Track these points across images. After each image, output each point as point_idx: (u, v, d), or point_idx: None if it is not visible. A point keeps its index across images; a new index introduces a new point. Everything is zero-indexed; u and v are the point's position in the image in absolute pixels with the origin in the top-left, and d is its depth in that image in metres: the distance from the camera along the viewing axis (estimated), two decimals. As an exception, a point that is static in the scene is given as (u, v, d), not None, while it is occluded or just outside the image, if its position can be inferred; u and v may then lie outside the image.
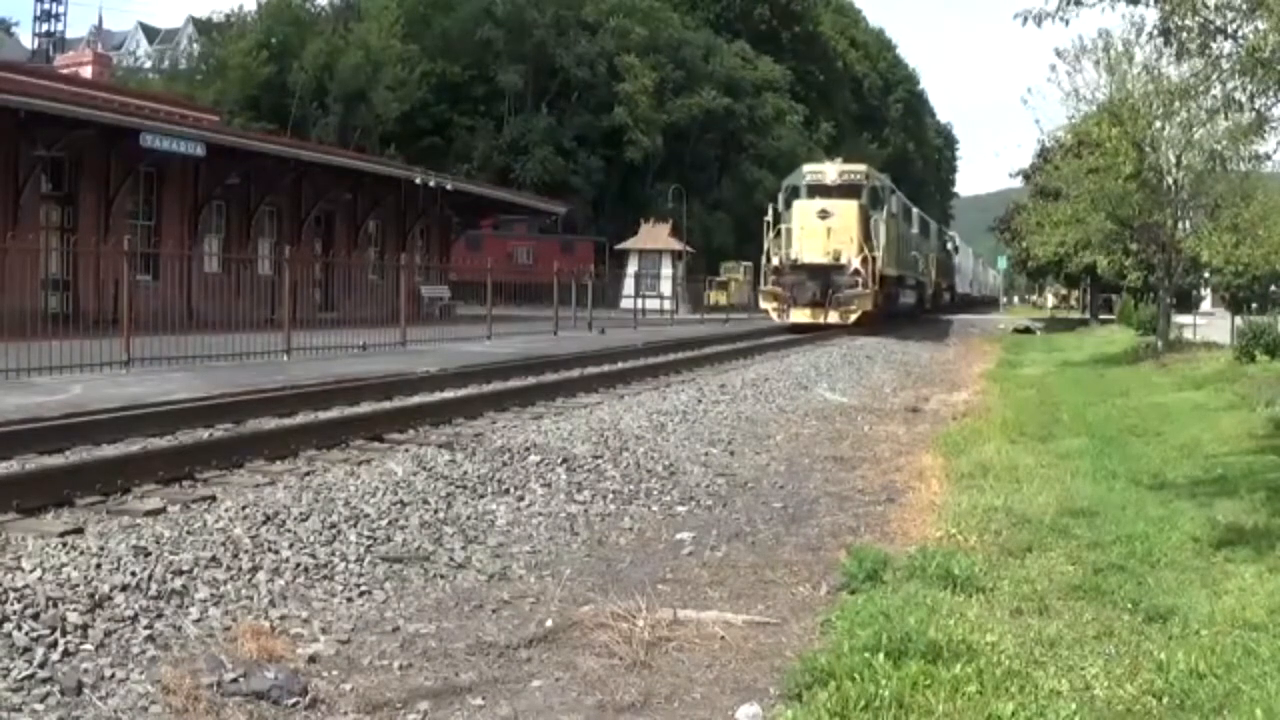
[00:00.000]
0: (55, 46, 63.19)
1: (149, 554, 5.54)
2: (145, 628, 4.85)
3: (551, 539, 7.26)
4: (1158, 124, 22.37)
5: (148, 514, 6.29)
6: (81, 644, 4.57)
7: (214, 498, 6.81)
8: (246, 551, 5.89)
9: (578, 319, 28.16)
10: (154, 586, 5.21)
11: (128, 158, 23.02)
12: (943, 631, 4.75)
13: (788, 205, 29.19)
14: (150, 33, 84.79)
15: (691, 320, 38.57)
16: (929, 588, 5.57)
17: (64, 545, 5.46)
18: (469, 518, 7.37)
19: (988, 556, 6.40)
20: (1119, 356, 25.42)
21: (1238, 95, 8.97)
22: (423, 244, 35.52)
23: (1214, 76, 9.17)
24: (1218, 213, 23.95)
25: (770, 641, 5.31)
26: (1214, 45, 8.46)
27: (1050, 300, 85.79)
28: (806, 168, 31.85)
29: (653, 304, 42.72)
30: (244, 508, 6.54)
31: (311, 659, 4.84)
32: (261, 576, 5.67)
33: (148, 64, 68.53)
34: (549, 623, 5.47)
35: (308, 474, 7.71)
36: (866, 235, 28.12)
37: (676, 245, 49.98)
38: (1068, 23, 8.06)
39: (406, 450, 8.77)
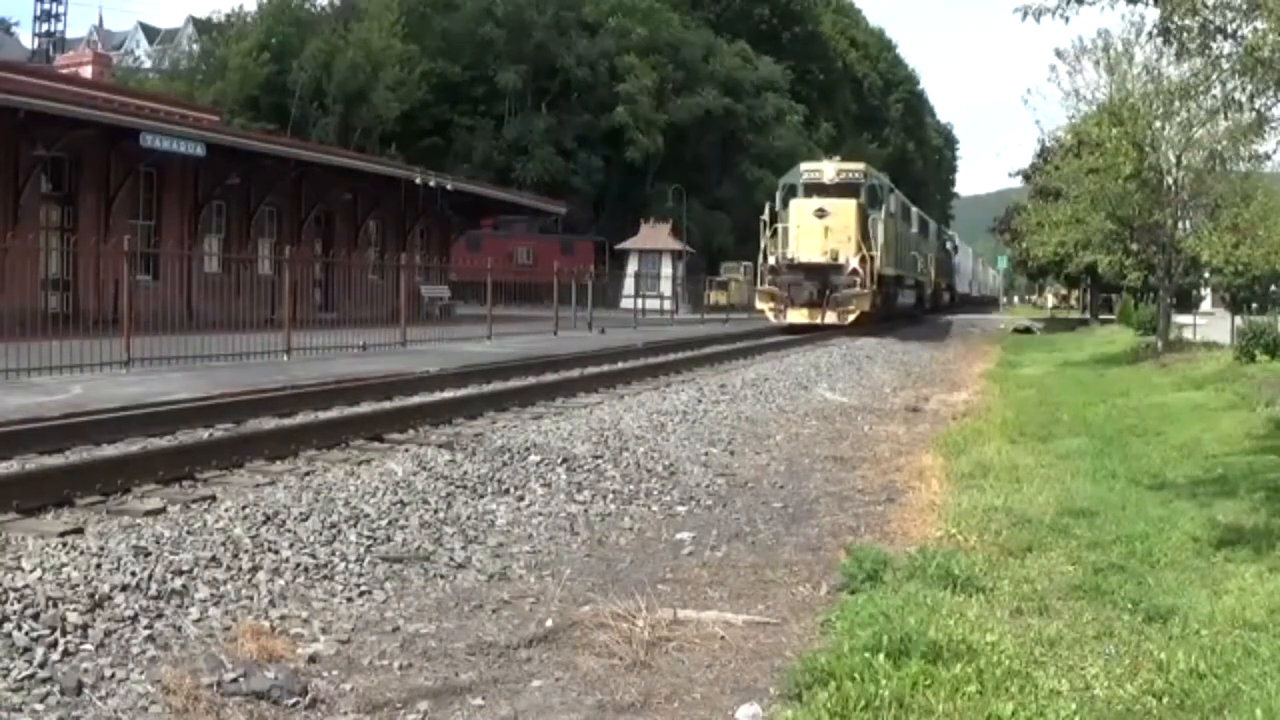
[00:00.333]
0: (55, 46, 63.28)
1: (149, 554, 5.54)
2: (145, 628, 4.85)
3: (551, 539, 7.26)
4: (1158, 124, 22.37)
5: (148, 514, 6.29)
6: (81, 644, 4.57)
7: (214, 498, 6.82)
8: (246, 551, 5.89)
9: (578, 319, 28.16)
10: (154, 586, 5.21)
11: (128, 158, 23.02)
12: (943, 631, 4.75)
13: (785, 204, 28.94)
14: (150, 33, 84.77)
15: (691, 320, 38.58)
16: (929, 588, 5.56)
17: (64, 545, 5.46)
18: (469, 518, 7.37)
19: (988, 556, 6.40)
20: (1119, 356, 25.41)
21: (1238, 95, 8.96)
22: (423, 244, 35.52)
23: (1214, 76, 9.17)
24: (1218, 213, 23.94)
25: (770, 641, 5.31)
26: (1214, 45, 8.46)
27: (1050, 300, 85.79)
28: (804, 166, 31.60)
29: (653, 304, 42.72)
30: (244, 508, 6.54)
31: (311, 659, 4.84)
32: (261, 576, 5.67)
33: (148, 64, 68.51)
34: (549, 623, 5.47)
35: (308, 474, 7.71)
36: (864, 234, 27.91)
37: (676, 245, 49.97)
38: (1068, 20, 8.07)
39: (406, 450, 8.77)
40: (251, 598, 5.43)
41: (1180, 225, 24.59)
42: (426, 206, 33.58)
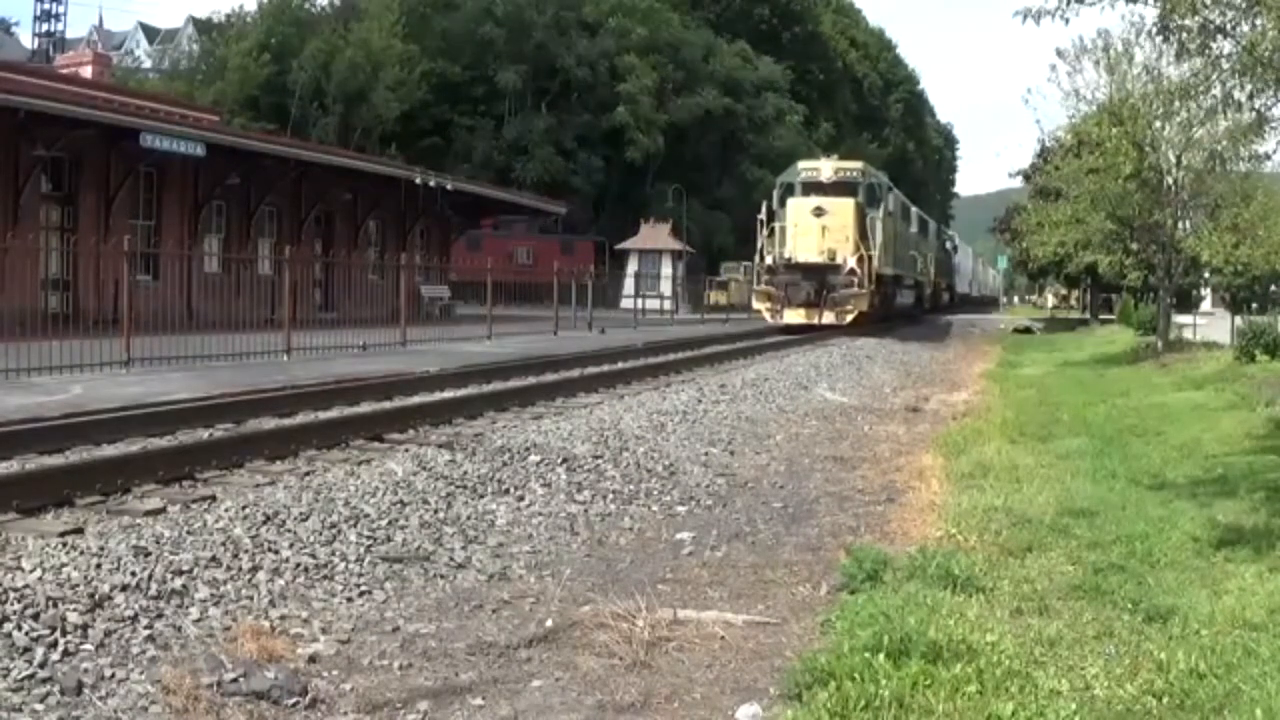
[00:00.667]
0: (55, 46, 63.28)
1: (149, 554, 5.54)
2: (145, 628, 4.85)
3: (551, 539, 7.26)
4: (1158, 124, 22.37)
5: (148, 514, 6.29)
6: (81, 644, 4.57)
7: (214, 498, 6.82)
8: (246, 551, 5.89)
9: (578, 319, 28.15)
10: (154, 586, 5.21)
11: (128, 158, 23.02)
12: (943, 631, 4.75)
13: (782, 203, 28.63)
14: (150, 33, 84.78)
15: (691, 320, 38.57)
16: (929, 588, 5.56)
17: (64, 545, 5.46)
18: (469, 518, 7.37)
19: (988, 556, 6.40)
20: (1119, 356, 25.41)
21: (1237, 95, 8.97)
22: (423, 244, 35.52)
23: (1214, 76, 9.17)
24: (1218, 213, 23.94)
25: (770, 641, 5.31)
26: (1213, 44, 8.46)
27: (1050, 300, 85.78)
28: (801, 165, 31.31)
29: (653, 304, 42.71)
30: (244, 508, 6.54)
31: (311, 659, 4.84)
32: (261, 576, 5.67)
33: (148, 64, 68.52)
34: (549, 623, 5.47)
35: (308, 474, 7.71)
36: (862, 234, 27.66)
37: (676, 245, 49.96)
38: (1068, 21, 8.06)
39: (406, 450, 8.77)
40: (251, 598, 5.43)
41: (1180, 225, 24.59)
42: (426, 206, 33.58)
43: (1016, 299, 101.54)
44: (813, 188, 28.74)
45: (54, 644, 4.50)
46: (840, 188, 28.61)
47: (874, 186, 30.23)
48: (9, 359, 11.93)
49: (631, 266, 49.21)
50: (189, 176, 25.64)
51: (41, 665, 4.33)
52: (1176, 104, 19.60)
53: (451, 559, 6.53)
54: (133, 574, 5.25)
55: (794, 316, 27.18)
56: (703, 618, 5.53)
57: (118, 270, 15.90)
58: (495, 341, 21.47)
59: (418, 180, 31.14)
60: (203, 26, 65.39)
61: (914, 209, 40.18)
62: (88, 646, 4.57)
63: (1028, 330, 41.29)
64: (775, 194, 29.54)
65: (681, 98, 58.81)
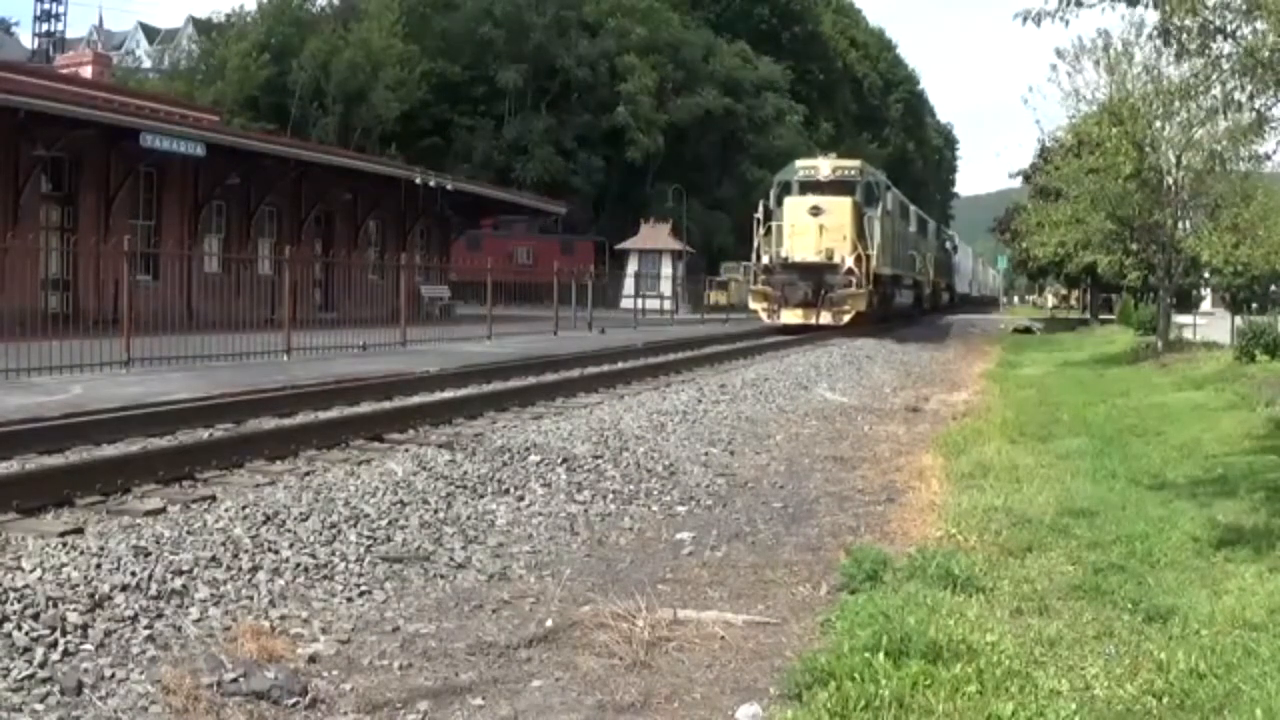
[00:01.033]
0: (55, 46, 63.23)
1: (149, 554, 5.54)
2: (145, 628, 4.85)
3: (551, 539, 7.26)
4: (1158, 124, 22.38)
5: (148, 514, 6.29)
6: (81, 644, 4.57)
7: (214, 498, 6.82)
8: (246, 551, 5.89)
9: (578, 319, 28.15)
10: (154, 586, 5.21)
11: (128, 158, 23.03)
12: (943, 631, 4.75)
13: (779, 202, 28.29)
14: (150, 33, 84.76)
15: (691, 320, 38.58)
16: (929, 588, 5.56)
17: (64, 545, 5.46)
18: (469, 518, 7.37)
19: (988, 556, 6.40)
20: (1119, 356, 25.41)
21: (1237, 95, 8.96)
22: (423, 244, 35.52)
23: (1214, 76, 9.17)
24: (1218, 213, 23.94)
25: (770, 641, 5.31)
26: (1213, 45, 8.46)
27: (1050, 300, 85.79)
28: (799, 163, 31.01)
29: (653, 304, 42.72)
30: (244, 508, 6.54)
31: (311, 659, 4.84)
32: (261, 576, 5.67)
33: (148, 64, 68.54)
34: (549, 623, 5.47)
35: (308, 474, 7.71)
36: (860, 233, 27.39)
37: (676, 245, 49.95)
38: (1068, 23, 8.05)
39: (406, 450, 8.77)
40: (251, 598, 5.43)
41: (1180, 225, 24.59)
42: (426, 206, 33.58)
43: (1016, 299, 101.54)
44: (810, 186, 28.42)
45: (54, 644, 4.50)
46: (838, 186, 28.27)
47: (872, 185, 29.90)
48: (9, 359, 11.93)
49: (631, 266, 49.21)
50: (189, 176, 25.64)
51: (41, 665, 4.33)
52: (1176, 104, 19.63)
53: (451, 559, 6.53)
54: (133, 574, 5.25)
55: (790, 317, 26.90)
56: (703, 618, 5.54)
57: (118, 270, 15.90)
58: (495, 341, 21.47)
59: (418, 180, 31.14)
60: (203, 26, 65.38)
61: (913, 208, 39.99)
62: (88, 646, 4.57)
63: (1028, 330, 41.29)
64: (772, 193, 29.20)
65: (681, 98, 58.81)
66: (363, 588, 5.86)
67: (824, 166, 29.61)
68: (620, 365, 16.91)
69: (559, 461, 9.08)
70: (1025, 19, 8.07)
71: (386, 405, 11.32)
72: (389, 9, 55.62)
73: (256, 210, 28.08)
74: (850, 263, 26.72)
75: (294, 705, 4.34)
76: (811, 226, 26.94)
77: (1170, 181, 23.59)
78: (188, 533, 5.97)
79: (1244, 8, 8.24)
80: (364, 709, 4.37)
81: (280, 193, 28.47)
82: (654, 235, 50.51)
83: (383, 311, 21.96)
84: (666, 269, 49.50)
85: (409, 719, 4.32)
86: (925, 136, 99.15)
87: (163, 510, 6.42)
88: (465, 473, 8.26)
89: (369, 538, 6.56)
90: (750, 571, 6.62)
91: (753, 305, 28.81)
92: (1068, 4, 7.90)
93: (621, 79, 57.04)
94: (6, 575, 4.95)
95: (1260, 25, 8.26)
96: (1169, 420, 13.10)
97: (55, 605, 4.76)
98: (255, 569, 5.73)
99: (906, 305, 37.76)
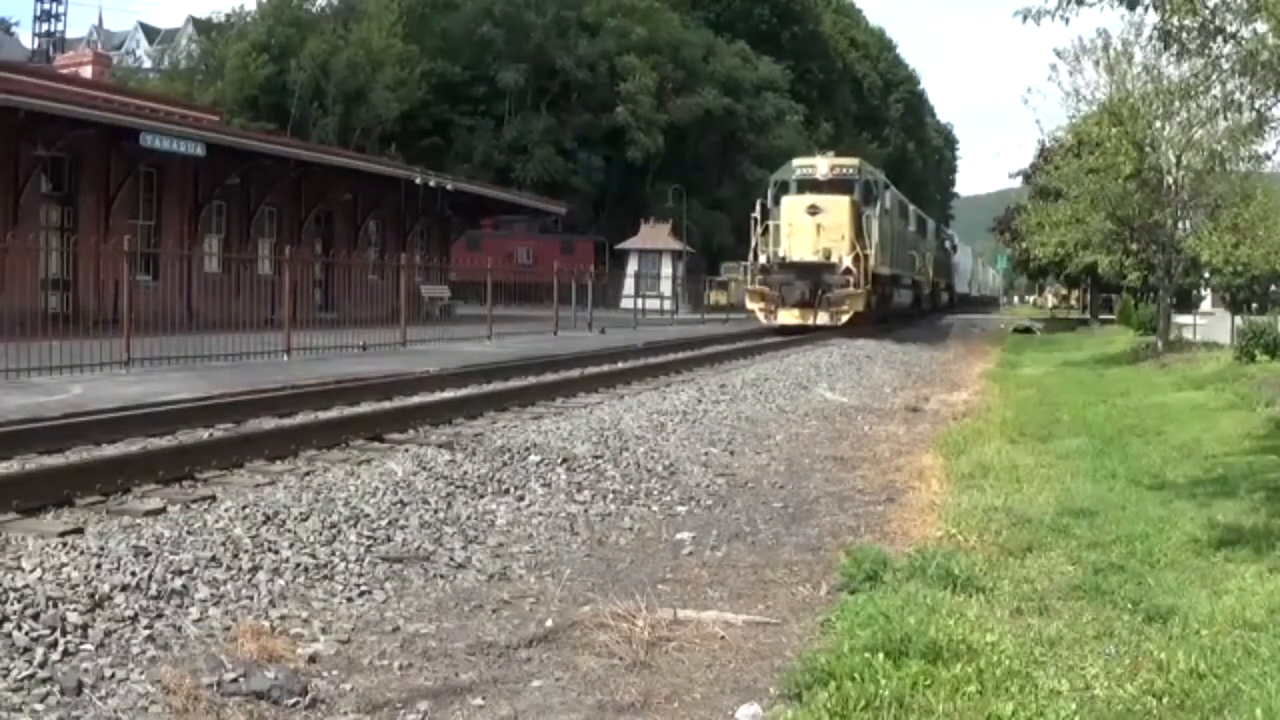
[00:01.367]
0: (55, 46, 63.14)
1: (149, 554, 5.54)
2: (145, 628, 4.85)
3: (551, 539, 7.26)
4: (1158, 124, 22.39)
5: (148, 514, 6.29)
6: (81, 644, 4.57)
7: (214, 498, 6.82)
8: (246, 551, 5.89)
9: (578, 319, 28.15)
10: (154, 586, 5.21)
11: (128, 158, 23.02)
12: (943, 631, 4.75)
13: (776, 201, 28.05)
14: (150, 33, 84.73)
15: (691, 320, 38.59)
16: (929, 588, 5.56)
17: (64, 545, 5.46)
18: (469, 518, 7.37)
19: (988, 556, 6.40)
20: (1119, 356, 25.41)
21: (1238, 95, 8.97)
22: (423, 244, 35.51)
23: (1214, 76, 9.17)
24: (1218, 213, 23.95)
25: (770, 641, 5.31)
26: (1214, 46, 8.45)
27: (1050, 300, 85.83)
28: (796, 162, 30.75)
29: (653, 304, 42.74)
30: (244, 508, 6.54)
31: (311, 659, 4.84)
32: (261, 576, 5.67)
33: (148, 64, 68.51)
34: (549, 623, 5.47)
35: (308, 474, 7.71)
36: (859, 232, 27.18)
37: (676, 245, 49.96)
38: (1068, 21, 8.05)
39: (406, 450, 8.77)
40: (251, 598, 5.43)
41: (1180, 225, 24.61)
42: (426, 206, 33.58)
43: (1016, 299, 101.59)
44: (808, 185, 28.20)
45: (54, 644, 4.49)
46: (836, 185, 28.03)
47: (870, 184, 29.66)
48: (9, 359, 11.92)
49: (631, 266, 49.22)
50: (189, 176, 25.64)
51: (41, 665, 4.33)
52: (1176, 104, 19.64)
53: (451, 559, 6.53)
54: (133, 574, 5.25)
55: (788, 317, 26.66)
56: (703, 618, 5.53)
57: (118, 270, 15.90)
58: (495, 341, 21.48)
59: (418, 180, 31.14)
60: (202, 26, 65.35)
61: (912, 207, 39.81)
62: (88, 646, 4.57)
63: (1028, 330, 41.30)
64: (770, 191, 28.98)
65: (681, 98, 58.80)
66: (363, 588, 5.86)
67: (822, 165, 29.37)
68: (620, 365, 16.91)
69: (559, 461, 9.08)
70: (1025, 17, 8.07)
71: (386, 405, 11.32)
72: (389, 9, 55.60)
73: (256, 210, 28.08)
74: (848, 262, 26.50)
75: (294, 705, 4.34)
76: (809, 226, 26.70)
77: (1170, 181, 23.60)
78: (188, 533, 5.97)
79: (1244, 8, 8.24)
80: (364, 709, 4.37)
81: (280, 193, 28.47)
82: (654, 235, 50.53)
83: (383, 311, 21.96)
84: (666, 269, 49.51)
85: (409, 719, 4.32)
86: (925, 136, 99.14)
87: (163, 510, 6.42)
88: (465, 473, 8.26)
89: (369, 538, 6.56)
90: (750, 571, 6.62)
91: (749, 305, 28.58)
92: (1067, 3, 7.90)
93: (621, 79, 57.03)
94: (6, 575, 4.95)
95: (1260, 26, 8.26)
96: (1169, 420, 13.10)
97: (55, 605, 4.76)
98: (255, 569, 5.73)
99: (905, 305, 37.67)
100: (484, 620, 5.55)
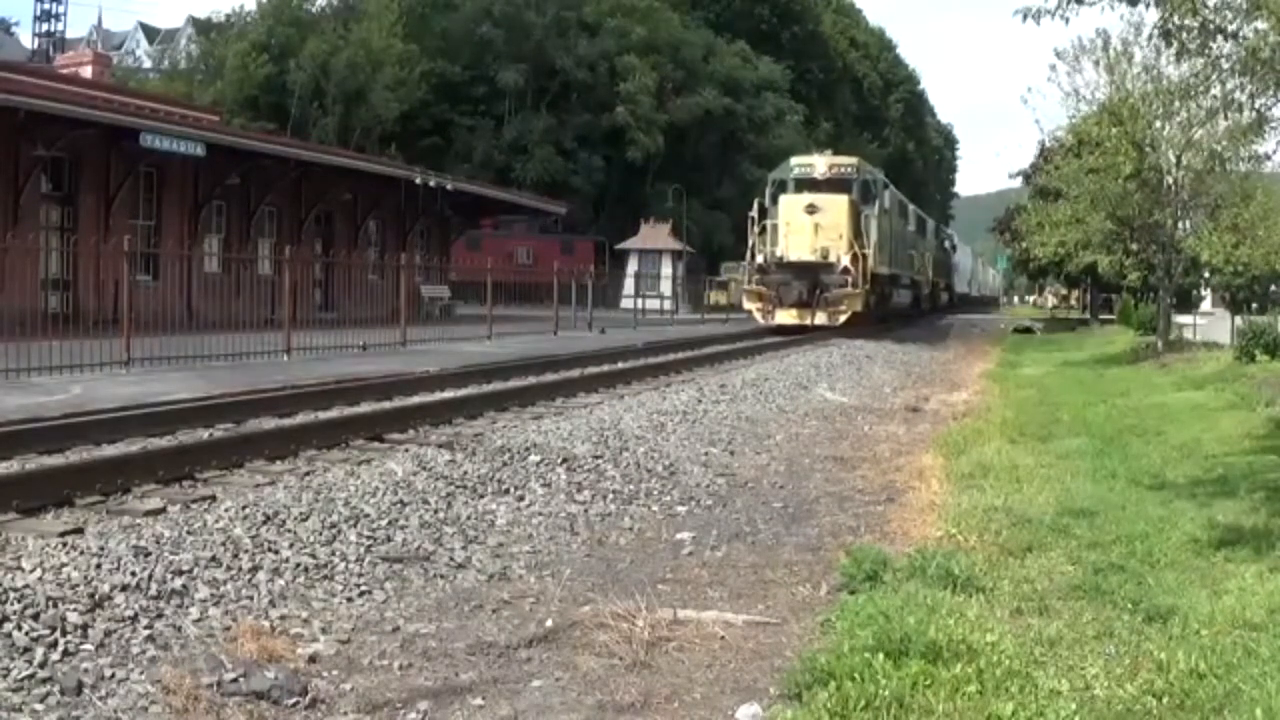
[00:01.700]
0: (55, 46, 63.11)
1: (149, 554, 5.54)
2: (145, 628, 4.85)
3: (551, 539, 7.26)
4: (1158, 124, 22.40)
5: (148, 514, 6.29)
6: (81, 644, 4.57)
7: (214, 498, 6.82)
8: (246, 551, 5.89)
9: (578, 319, 28.15)
10: (154, 586, 5.21)
11: (128, 158, 23.02)
12: (943, 631, 4.74)
13: (774, 200, 27.84)
14: (150, 33, 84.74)
15: (691, 320, 38.60)
16: (929, 588, 5.56)
17: (64, 545, 5.46)
18: (469, 518, 7.37)
19: (988, 556, 6.40)
20: (1119, 356, 25.41)
21: (1238, 95, 8.97)
22: (423, 244, 35.51)
23: (1214, 76, 9.17)
24: (1218, 213, 23.95)
25: (770, 641, 5.31)
26: (1214, 45, 8.45)
27: (1050, 300, 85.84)
28: (794, 160, 30.57)
29: (653, 304, 42.74)
30: (244, 508, 6.54)
31: (311, 659, 4.84)
32: (261, 576, 5.67)
33: (148, 64, 68.51)
34: (549, 623, 5.47)
35: (308, 474, 7.71)
36: (857, 232, 27.04)
37: (676, 245, 49.95)
38: (1067, 21, 8.06)
39: (406, 450, 8.77)
40: (251, 598, 5.43)
41: (1180, 225, 24.60)
42: (426, 206, 33.58)
43: (1016, 299, 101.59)
44: (806, 184, 28.01)
45: (54, 644, 4.49)
46: (834, 184, 27.83)
47: (869, 183, 29.49)
48: (9, 359, 11.92)
49: (631, 266, 49.23)
50: (189, 176, 25.64)
51: (41, 665, 4.33)
52: (1176, 104, 19.66)
53: (451, 559, 6.53)
54: (133, 574, 5.25)
55: (785, 317, 26.47)
56: (703, 618, 5.53)
57: (118, 270, 15.90)
58: (495, 341, 21.47)
59: (418, 180, 31.14)
60: (202, 26, 65.33)
61: (911, 207, 39.66)
62: (88, 646, 4.57)
63: (1028, 330, 41.30)
64: (767, 190, 28.77)
65: (681, 98, 58.82)
66: (363, 588, 5.86)
67: (820, 164, 29.18)
68: (620, 365, 16.91)
69: (559, 461, 9.08)
70: (1025, 16, 8.07)
71: (386, 405, 11.32)
72: (389, 9, 55.61)
73: (256, 210, 28.08)
74: (846, 262, 26.33)
75: (294, 705, 4.34)
76: (807, 225, 26.52)
77: (1170, 181, 23.60)
78: (188, 533, 5.97)
79: (1244, 7, 8.24)
80: (364, 709, 4.37)
81: (280, 193, 28.47)
82: (654, 235, 50.54)
83: (383, 311, 21.96)
84: (666, 269, 49.52)
85: (409, 719, 4.32)
86: (925, 136, 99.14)
87: (163, 510, 6.42)
88: (465, 473, 8.26)
89: (369, 538, 6.56)
90: (750, 571, 6.62)
91: (746, 305, 28.36)
92: (1067, 2, 7.90)
93: (621, 79, 57.04)
94: (6, 575, 4.95)
95: (1261, 24, 8.26)
96: (1169, 420, 13.10)
97: (55, 605, 4.76)
98: (255, 569, 5.73)
99: (904, 305, 37.59)
100: (484, 620, 5.55)
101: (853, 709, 4.00)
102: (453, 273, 35.24)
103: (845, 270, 26.38)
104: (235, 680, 4.43)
